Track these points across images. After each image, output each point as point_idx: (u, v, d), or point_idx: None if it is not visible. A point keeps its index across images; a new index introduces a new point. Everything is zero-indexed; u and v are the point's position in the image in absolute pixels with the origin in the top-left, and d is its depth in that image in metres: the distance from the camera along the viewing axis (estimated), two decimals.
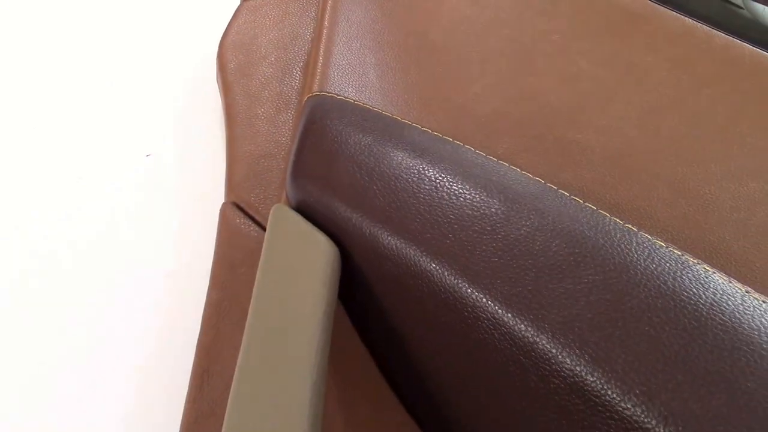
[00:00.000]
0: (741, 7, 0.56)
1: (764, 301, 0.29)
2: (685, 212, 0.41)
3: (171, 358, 0.42)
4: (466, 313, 0.31)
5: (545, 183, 0.36)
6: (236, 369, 0.31)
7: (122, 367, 0.44)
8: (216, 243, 0.41)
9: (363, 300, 0.36)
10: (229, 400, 0.30)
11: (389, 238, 0.34)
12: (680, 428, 0.26)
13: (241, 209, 0.43)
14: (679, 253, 0.31)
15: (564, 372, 0.28)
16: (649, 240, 0.32)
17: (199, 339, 0.37)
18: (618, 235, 0.32)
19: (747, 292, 0.29)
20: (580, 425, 0.28)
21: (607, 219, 0.33)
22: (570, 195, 0.35)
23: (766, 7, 0.56)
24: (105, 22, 0.70)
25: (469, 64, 0.49)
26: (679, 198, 0.41)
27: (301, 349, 0.31)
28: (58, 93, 0.62)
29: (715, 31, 0.50)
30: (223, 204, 0.43)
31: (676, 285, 0.29)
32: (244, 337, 0.32)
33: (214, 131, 0.54)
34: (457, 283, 0.31)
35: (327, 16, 0.50)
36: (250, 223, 0.42)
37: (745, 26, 0.54)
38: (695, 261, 0.31)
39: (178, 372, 0.39)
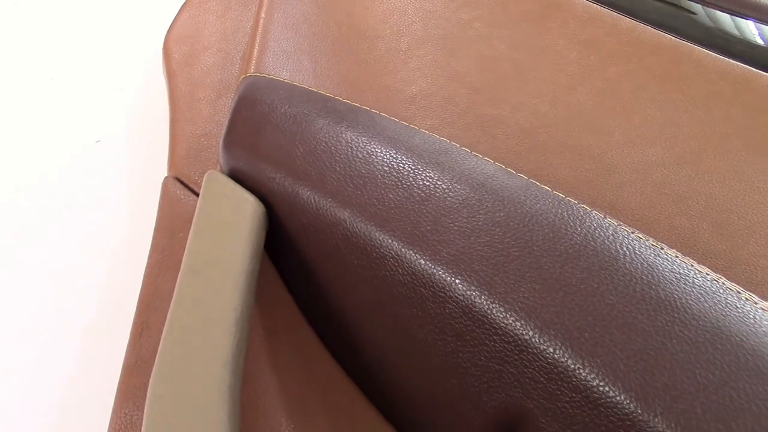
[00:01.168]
0: None
1: (632, 232, 0.33)
2: (588, 176, 0.44)
3: (121, 316, 0.45)
4: (374, 254, 0.34)
5: (455, 144, 0.40)
6: (167, 319, 0.34)
7: (77, 330, 0.47)
8: (158, 213, 0.44)
9: (287, 252, 0.39)
10: (160, 346, 0.33)
11: (308, 193, 0.37)
12: (555, 336, 0.29)
13: (182, 182, 0.46)
14: (563, 195, 0.35)
15: (457, 297, 0.32)
16: (537, 186, 0.36)
17: (140, 295, 0.40)
18: (513, 181, 0.36)
19: (618, 224, 0.33)
20: (471, 344, 0.32)
21: (508, 171, 0.37)
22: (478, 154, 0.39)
23: None
24: (63, 21, 0.73)
25: (398, 52, 0.53)
26: (584, 163, 0.45)
27: (226, 297, 0.34)
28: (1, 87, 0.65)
29: (621, 15, 0.54)
30: (165, 178, 0.46)
31: (556, 219, 0.33)
32: (176, 290, 0.35)
33: (160, 116, 0.57)
34: (367, 229, 0.35)
35: (265, 8, 0.53)
36: (190, 194, 0.45)
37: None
38: (576, 201, 0.35)
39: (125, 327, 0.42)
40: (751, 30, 0.57)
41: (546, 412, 0.30)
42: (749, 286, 0.36)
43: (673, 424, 0.27)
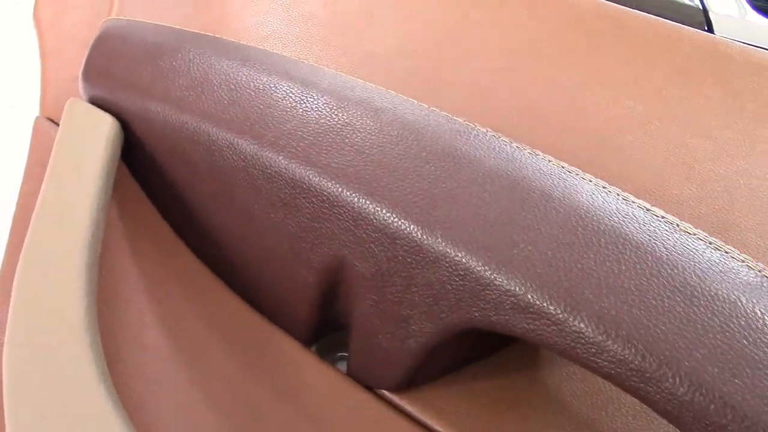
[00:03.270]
0: None
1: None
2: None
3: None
4: (213, 147, 0.39)
5: (313, 65, 0.44)
6: (32, 218, 0.38)
7: None
8: (29, 148, 0.48)
9: (143, 161, 0.43)
10: (25, 240, 0.37)
11: (155, 104, 0.41)
12: (359, 188, 0.35)
13: (52, 121, 0.50)
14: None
15: (281, 171, 0.36)
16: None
17: (13, 215, 0.44)
18: (376, 94, 0.40)
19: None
20: (296, 209, 0.36)
21: (380, 89, 0.41)
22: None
23: None
24: None
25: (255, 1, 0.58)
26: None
27: (83, 195, 0.38)
28: None
29: None
30: (37, 118, 0.50)
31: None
32: (39, 196, 0.39)
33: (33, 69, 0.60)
34: (206, 126, 0.39)
35: None
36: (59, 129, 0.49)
37: None
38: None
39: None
40: None
41: (358, 256, 0.35)
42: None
43: (452, 241, 0.32)
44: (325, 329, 0.40)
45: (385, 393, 0.37)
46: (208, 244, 0.42)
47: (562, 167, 0.35)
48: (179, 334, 0.39)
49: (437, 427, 0.36)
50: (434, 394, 0.37)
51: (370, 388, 0.38)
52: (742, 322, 0.28)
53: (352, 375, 0.38)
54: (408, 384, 0.37)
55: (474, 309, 0.32)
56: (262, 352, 0.39)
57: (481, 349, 0.39)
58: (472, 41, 0.54)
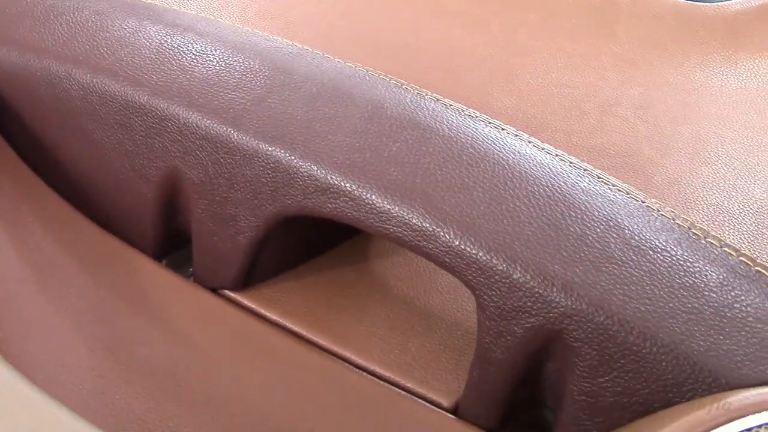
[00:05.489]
0: None
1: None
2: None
3: None
4: (55, 81, 0.41)
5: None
6: None
7: None
8: None
9: (3, 111, 0.46)
10: None
11: (13, 53, 0.43)
12: (189, 105, 0.38)
13: None
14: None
15: (114, 95, 0.39)
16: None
17: None
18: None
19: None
20: (130, 129, 0.39)
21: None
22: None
23: None
24: None
25: None
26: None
27: None
28: None
29: None
30: None
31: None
32: None
33: None
34: (48, 64, 0.42)
35: None
36: None
37: None
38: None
39: None
40: None
41: (188, 165, 0.38)
42: None
43: (262, 138, 0.36)
44: (173, 243, 0.43)
45: (228, 292, 0.40)
46: (61, 174, 0.45)
47: (367, 71, 0.39)
48: (35, 257, 0.41)
49: (274, 318, 0.39)
50: (272, 289, 0.40)
51: (214, 290, 0.41)
52: (499, 175, 0.33)
53: (197, 280, 0.41)
54: (245, 281, 0.40)
55: (287, 197, 0.36)
56: (114, 267, 0.41)
57: (314, 244, 0.42)
58: None
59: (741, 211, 0.41)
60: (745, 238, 0.39)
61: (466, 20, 0.54)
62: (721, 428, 0.26)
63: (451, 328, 0.38)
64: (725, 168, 0.43)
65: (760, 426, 0.25)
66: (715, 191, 0.41)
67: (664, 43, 0.51)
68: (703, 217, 0.40)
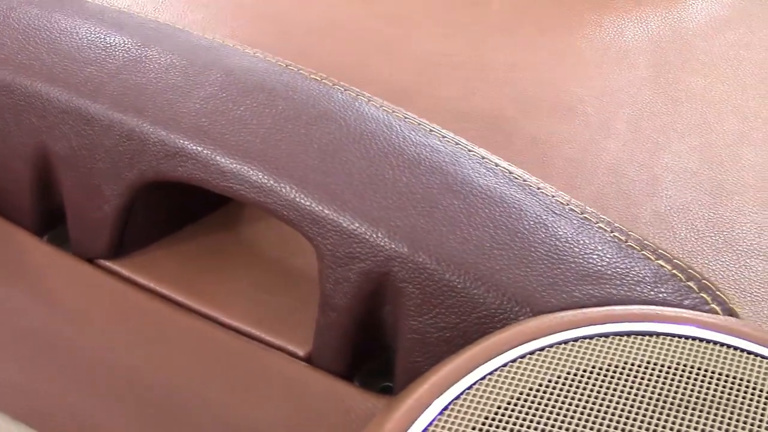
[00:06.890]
0: None
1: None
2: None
3: None
4: None
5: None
6: None
7: None
8: None
9: None
10: None
11: None
12: (55, 83, 0.39)
13: None
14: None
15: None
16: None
17: None
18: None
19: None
20: (9, 110, 0.41)
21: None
22: None
23: None
24: None
25: None
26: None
27: None
28: None
29: None
30: None
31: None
32: None
33: None
34: None
35: None
36: None
37: None
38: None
39: None
40: None
41: (54, 138, 0.40)
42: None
43: (116, 108, 0.37)
44: (57, 217, 0.44)
45: (103, 261, 0.42)
46: None
47: (224, 42, 0.41)
48: None
49: (146, 283, 0.41)
50: (145, 257, 0.42)
51: (91, 261, 0.42)
52: (335, 131, 0.35)
53: (75, 252, 0.43)
54: (118, 250, 0.41)
55: (142, 164, 0.37)
56: None
57: (185, 212, 0.44)
58: None
59: (593, 164, 0.43)
60: (596, 188, 0.41)
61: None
62: (515, 349, 0.28)
63: (311, 285, 0.40)
64: (582, 125, 0.45)
65: (543, 348, 0.27)
66: (570, 147, 0.44)
67: (534, 11, 0.53)
68: (558, 171, 0.42)
